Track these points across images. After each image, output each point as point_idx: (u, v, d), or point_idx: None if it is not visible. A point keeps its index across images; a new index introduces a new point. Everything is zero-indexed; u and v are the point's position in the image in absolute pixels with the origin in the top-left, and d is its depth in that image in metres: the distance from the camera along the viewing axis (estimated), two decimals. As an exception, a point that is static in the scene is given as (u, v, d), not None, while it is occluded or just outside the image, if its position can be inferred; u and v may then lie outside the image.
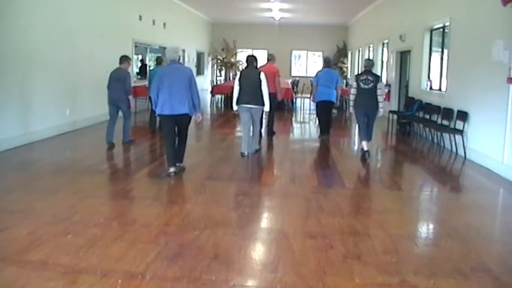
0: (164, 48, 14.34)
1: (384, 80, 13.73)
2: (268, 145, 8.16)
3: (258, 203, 4.77)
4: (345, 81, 17.47)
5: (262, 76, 6.50)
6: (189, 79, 5.39)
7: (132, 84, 7.82)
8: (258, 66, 6.88)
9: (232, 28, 21.87)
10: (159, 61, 9.29)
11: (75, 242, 3.43)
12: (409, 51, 10.86)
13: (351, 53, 20.39)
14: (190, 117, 5.56)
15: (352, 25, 20.57)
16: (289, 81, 17.16)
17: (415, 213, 4.67)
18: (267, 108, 6.61)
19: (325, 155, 7.50)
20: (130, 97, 7.37)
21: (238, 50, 21.99)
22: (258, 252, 3.45)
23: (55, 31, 7.99)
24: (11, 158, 6.35)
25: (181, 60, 5.76)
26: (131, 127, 7.79)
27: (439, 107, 8.28)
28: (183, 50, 16.81)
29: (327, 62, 9.07)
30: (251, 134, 6.79)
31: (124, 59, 7.37)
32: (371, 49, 15.78)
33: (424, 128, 8.88)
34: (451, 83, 8.04)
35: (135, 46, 11.95)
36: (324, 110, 8.75)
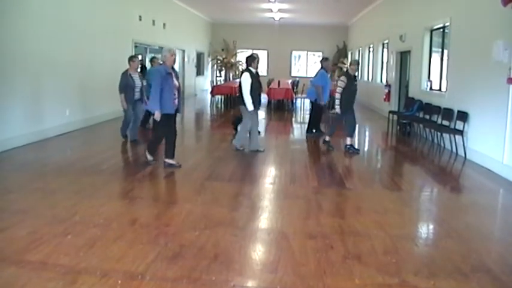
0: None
1: (383, 80, 13.76)
2: (268, 145, 8.16)
3: (258, 203, 4.76)
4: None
5: (242, 78, 6.89)
6: None
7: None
8: (250, 66, 6.97)
9: (232, 28, 21.87)
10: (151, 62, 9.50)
11: (75, 242, 3.43)
12: (409, 52, 10.87)
13: (351, 53, 20.39)
14: (156, 115, 5.70)
15: (352, 25, 20.58)
16: (289, 81, 17.16)
17: (415, 214, 4.67)
18: (249, 107, 6.83)
19: (325, 155, 7.49)
20: (122, 96, 7.38)
21: (238, 50, 21.99)
22: (258, 252, 3.45)
23: (55, 31, 7.98)
24: (12, 158, 6.35)
25: (170, 60, 5.78)
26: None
27: (439, 107, 8.28)
28: (183, 51, 16.83)
29: (320, 62, 9.43)
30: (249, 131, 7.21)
31: (129, 59, 7.62)
32: (371, 49, 15.79)
33: (424, 128, 8.88)
34: (451, 83, 8.04)
35: (135, 46, 11.94)
36: (311, 107, 9.58)
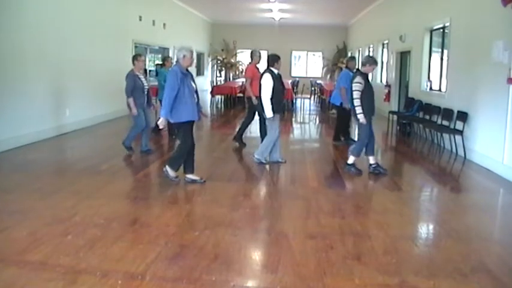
0: (164, 48, 14.43)
1: (383, 80, 13.75)
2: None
3: (258, 203, 4.77)
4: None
5: (263, 79, 6.05)
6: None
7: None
8: (271, 67, 6.14)
9: (232, 28, 21.89)
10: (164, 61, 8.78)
11: (75, 243, 3.43)
12: (409, 52, 10.87)
13: (351, 54, 20.38)
14: (177, 123, 5.09)
15: (352, 25, 20.58)
16: (289, 81, 17.18)
17: (415, 214, 4.67)
18: (267, 114, 6.06)
19: (325, 155, 7.49)
20: (131, 100, 6.47)
21: (238, 51, 22.02)
22: (258, 252, 3.46)
23: (55, 32, 7.99)
24: (11, 159, 6.35)
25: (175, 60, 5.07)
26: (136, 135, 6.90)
27: (439, 107, 8.29)
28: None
29: (346, 62, 8.70)
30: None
31: (133, 58, 6.79)
32: (371, 49, 15.79)
33: (424, 129, 8.88)
34: (451, 83, 8.04)
35: (135, 47, 11.95)
36: (337, 113, 8.59)
